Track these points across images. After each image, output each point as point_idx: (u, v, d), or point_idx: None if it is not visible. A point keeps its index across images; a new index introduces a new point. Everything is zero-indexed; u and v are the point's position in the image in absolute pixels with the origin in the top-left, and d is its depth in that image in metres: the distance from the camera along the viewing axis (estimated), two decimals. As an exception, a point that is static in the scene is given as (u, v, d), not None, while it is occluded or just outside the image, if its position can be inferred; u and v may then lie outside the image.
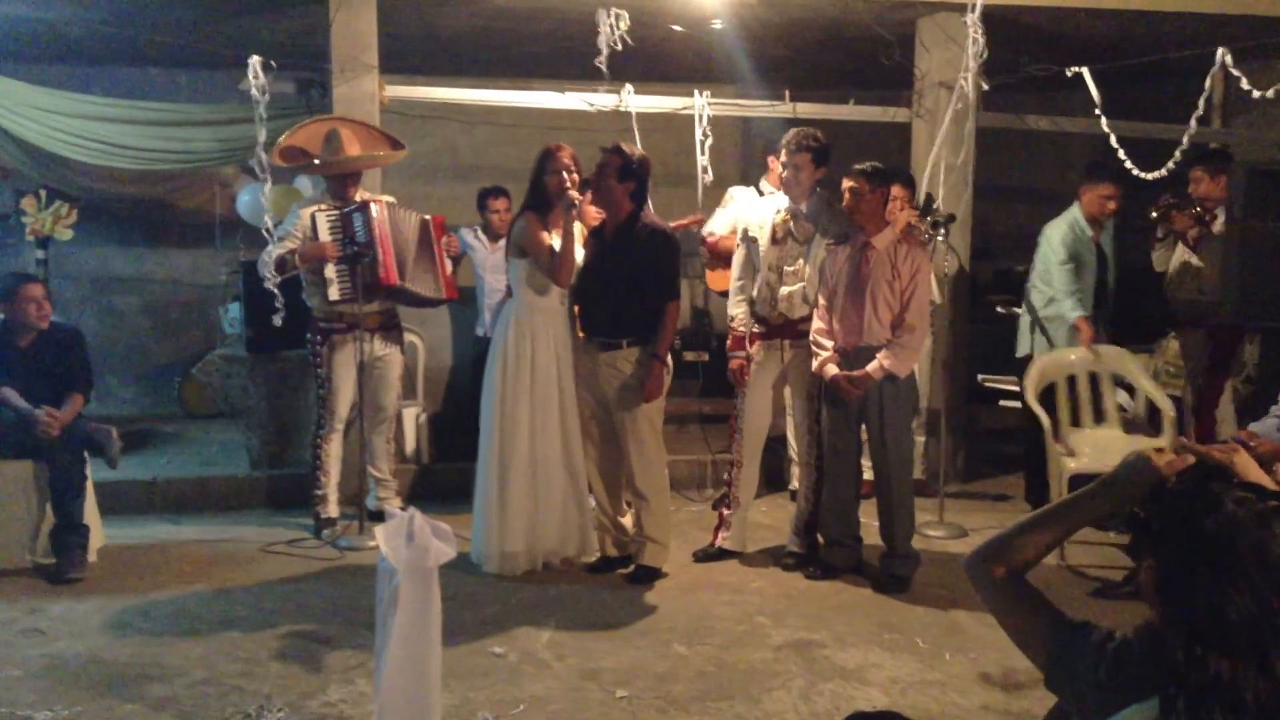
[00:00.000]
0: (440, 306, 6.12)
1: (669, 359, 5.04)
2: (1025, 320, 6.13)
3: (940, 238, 5.68)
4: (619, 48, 5.07)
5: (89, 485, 5.15)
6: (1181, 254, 5.98)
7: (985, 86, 6.35)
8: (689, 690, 3.83)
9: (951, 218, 5.84)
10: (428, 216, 5.62)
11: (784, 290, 5.08)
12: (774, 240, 5.11)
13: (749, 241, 5.21)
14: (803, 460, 5.29)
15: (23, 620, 4.43)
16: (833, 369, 4.93)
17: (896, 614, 4.61)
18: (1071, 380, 5.62)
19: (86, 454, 5.12)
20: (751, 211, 5.32)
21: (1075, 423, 5.59)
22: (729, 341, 5.26)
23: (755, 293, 5.15)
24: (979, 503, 6.42)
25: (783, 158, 5.10)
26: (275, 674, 3.91)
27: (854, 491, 5.11)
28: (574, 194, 4.87)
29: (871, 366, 4.85)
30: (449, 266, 5.70)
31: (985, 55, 5.85)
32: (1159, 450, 1.82)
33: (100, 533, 5.27)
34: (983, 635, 4.31)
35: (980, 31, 5.72)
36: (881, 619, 4.55)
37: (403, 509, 3.51)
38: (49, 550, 5.00)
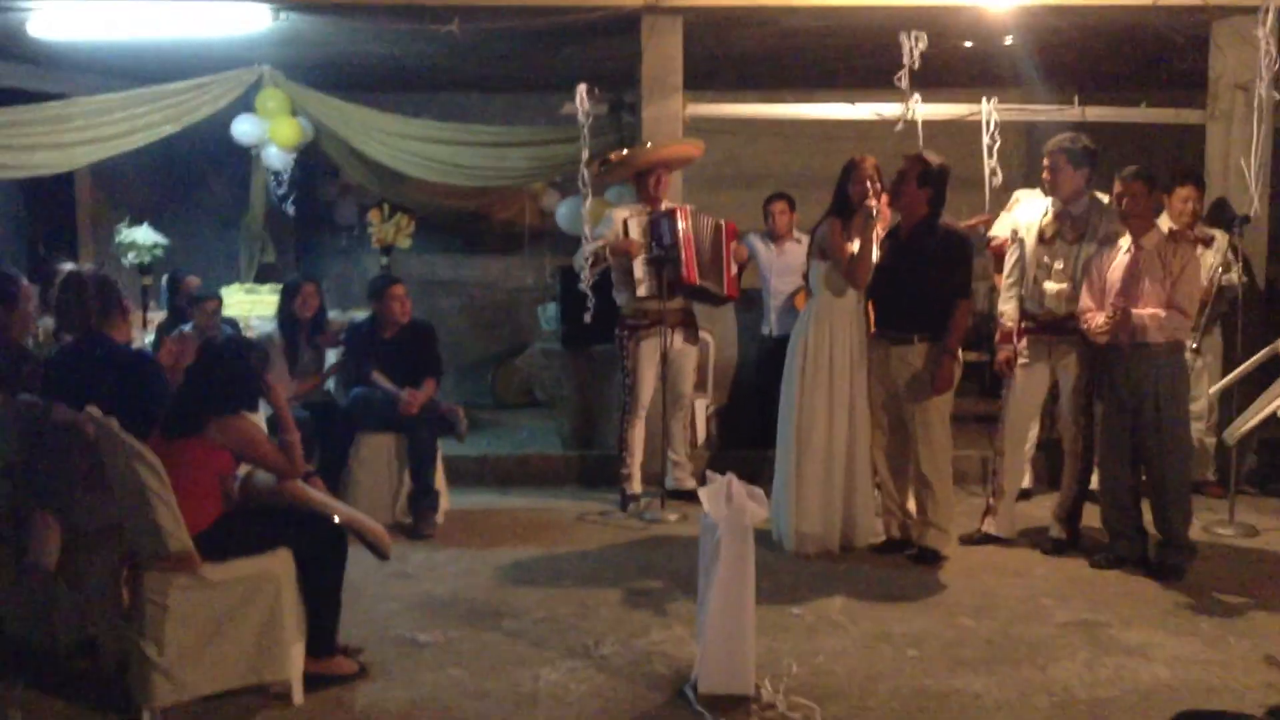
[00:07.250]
0: (725, 305, 6.63)
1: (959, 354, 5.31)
2: None
3: (1229, 239, 5.67)
4: (916, 66, 5.41)
5: (440, 457, 5.98)
6: None
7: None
8: (977, 655, 4.14)
9: (1246, 219, 5.82)
10: (721, 222, 6.17)
11: (1052, 288, 5.27)
12: (1041, 240, 5.33)
13: (1019, 241, 5.45)
14: (1069, 450, 5.45)
15: (391, 566, 5.19)
16: (1101, 321, 4.96)
17: (1181, 601, 4.73)
18: None
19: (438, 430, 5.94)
20: (1025, 212, 5.56)
21: None
22: (997, 335, 5.52)
23: (1024, 290, 5.39)
24: (1274, 501, 6.35)
25: (1044, 160, 5.32)
26: (605, 617, 4.53)
27: (1132, 482, 5.18)
28: (873, 203, 5.25)
29: (1138, 313, 4.92)
30: (734, 268, 6.22)
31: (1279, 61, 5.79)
32: None
33: (447, 497, 6.10)
34: (1272, 624, 4.40)
35: (1272, 38, 5.68)
36: (1166, 605, 4.69)
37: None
38: (407, 510, 5.86)
